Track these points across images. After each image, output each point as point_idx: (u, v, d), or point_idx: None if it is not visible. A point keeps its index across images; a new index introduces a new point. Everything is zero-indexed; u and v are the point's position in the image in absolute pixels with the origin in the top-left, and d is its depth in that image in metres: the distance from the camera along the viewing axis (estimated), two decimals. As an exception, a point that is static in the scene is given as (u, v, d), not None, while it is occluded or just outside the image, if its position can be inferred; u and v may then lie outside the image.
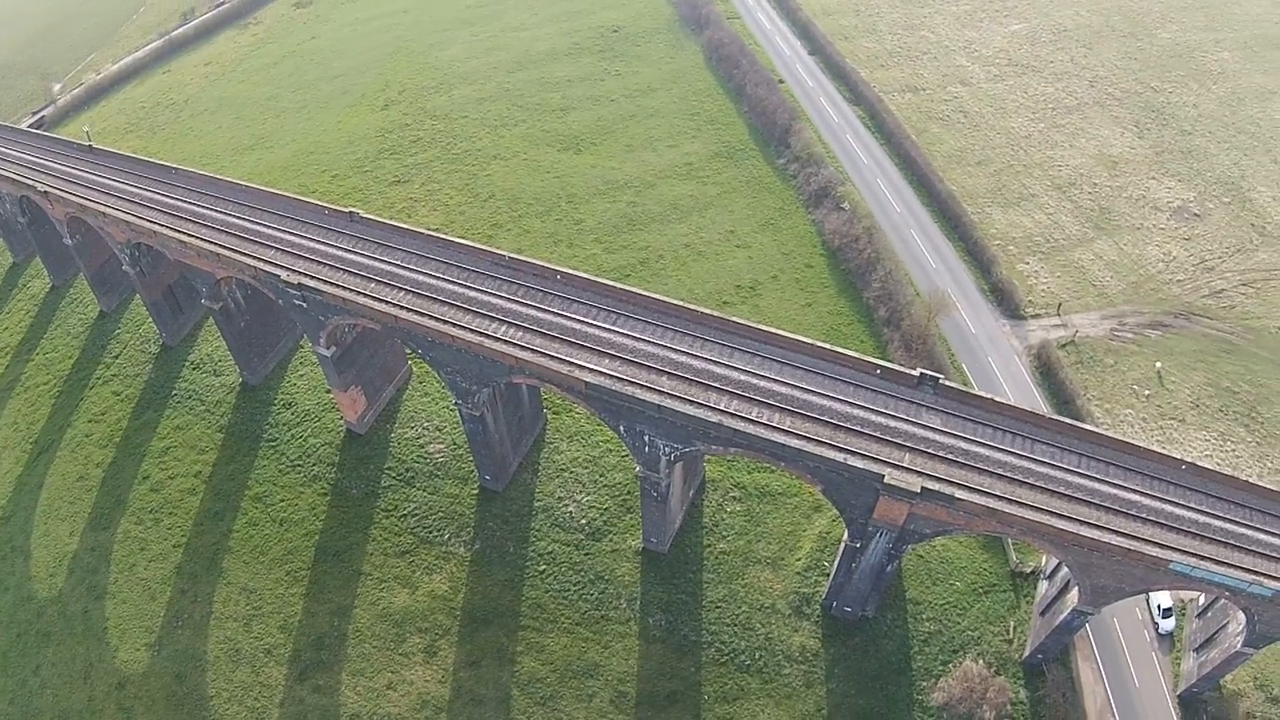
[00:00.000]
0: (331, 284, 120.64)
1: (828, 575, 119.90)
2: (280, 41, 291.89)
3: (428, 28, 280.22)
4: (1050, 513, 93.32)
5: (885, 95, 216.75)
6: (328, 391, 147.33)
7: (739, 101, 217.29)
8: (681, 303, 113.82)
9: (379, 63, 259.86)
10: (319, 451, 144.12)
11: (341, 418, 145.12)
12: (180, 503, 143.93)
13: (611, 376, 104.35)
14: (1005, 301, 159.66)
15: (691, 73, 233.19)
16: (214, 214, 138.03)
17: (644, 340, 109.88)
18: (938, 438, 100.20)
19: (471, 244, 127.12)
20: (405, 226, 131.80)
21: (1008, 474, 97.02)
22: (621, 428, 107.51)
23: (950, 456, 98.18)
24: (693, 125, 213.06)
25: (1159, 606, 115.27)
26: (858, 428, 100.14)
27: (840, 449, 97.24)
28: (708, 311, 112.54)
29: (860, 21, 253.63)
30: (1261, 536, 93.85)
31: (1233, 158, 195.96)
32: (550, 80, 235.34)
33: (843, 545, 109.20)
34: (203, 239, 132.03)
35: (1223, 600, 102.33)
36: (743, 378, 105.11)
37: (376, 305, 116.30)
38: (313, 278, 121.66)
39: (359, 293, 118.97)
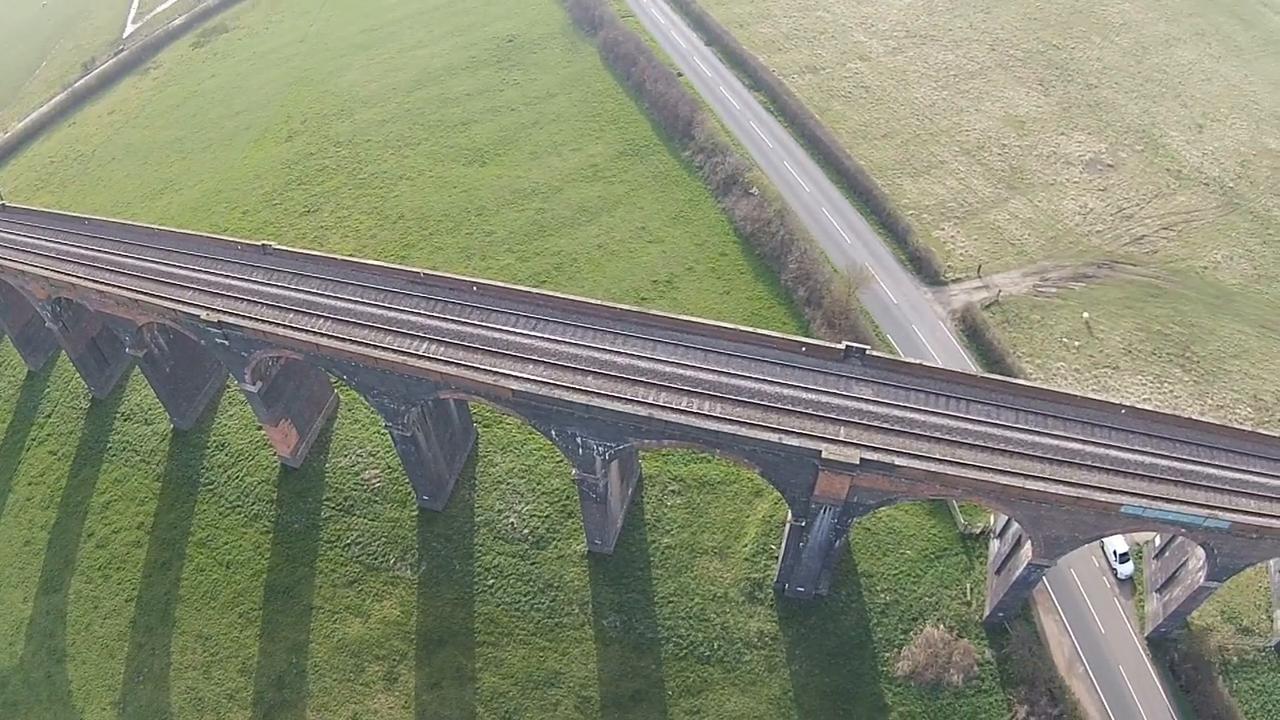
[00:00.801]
0: (251, 318, 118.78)
1: (776, 558, 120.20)
2: (181, 83, 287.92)
3: (325, 55, 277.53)
4: (993, 470, 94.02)
5: (785, 78, 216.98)
6: (259, 428, 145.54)
7: (639, 99, 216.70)
8: (600, 301, 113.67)
9: (279, 94, 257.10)
10: (257, 490, 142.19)
11: (275, 453, 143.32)
12: (127, 556, 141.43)
13: (537, 382, 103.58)
14: (924, 269, 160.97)
15: (590, 75, 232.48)
16: (130, 260, 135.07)
17: (566, 342, 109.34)
18: (871, 408, 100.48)
19: (386, 265, 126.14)
20: (319, 254, 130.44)
21: (946, 436, 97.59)
22: (553, 432, 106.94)
23: (886, 425, 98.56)
24: (595, 127, 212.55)
25: (1115, 552, 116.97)
26: (790, 407, 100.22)
27: (774, 429, 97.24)
28: (626, 308, 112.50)
29: (754, 8, 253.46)
30: (1211, 471, 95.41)
31: (1141, 106, 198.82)
32: (450, 96, 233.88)
33: (788, 526, 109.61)
34: (120, 286, 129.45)
35: (1180, 538, 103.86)
36: (669, 369, 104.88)
37: (297, 335, 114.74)
38: (231, 314, 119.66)
39: (279, 324, 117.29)
